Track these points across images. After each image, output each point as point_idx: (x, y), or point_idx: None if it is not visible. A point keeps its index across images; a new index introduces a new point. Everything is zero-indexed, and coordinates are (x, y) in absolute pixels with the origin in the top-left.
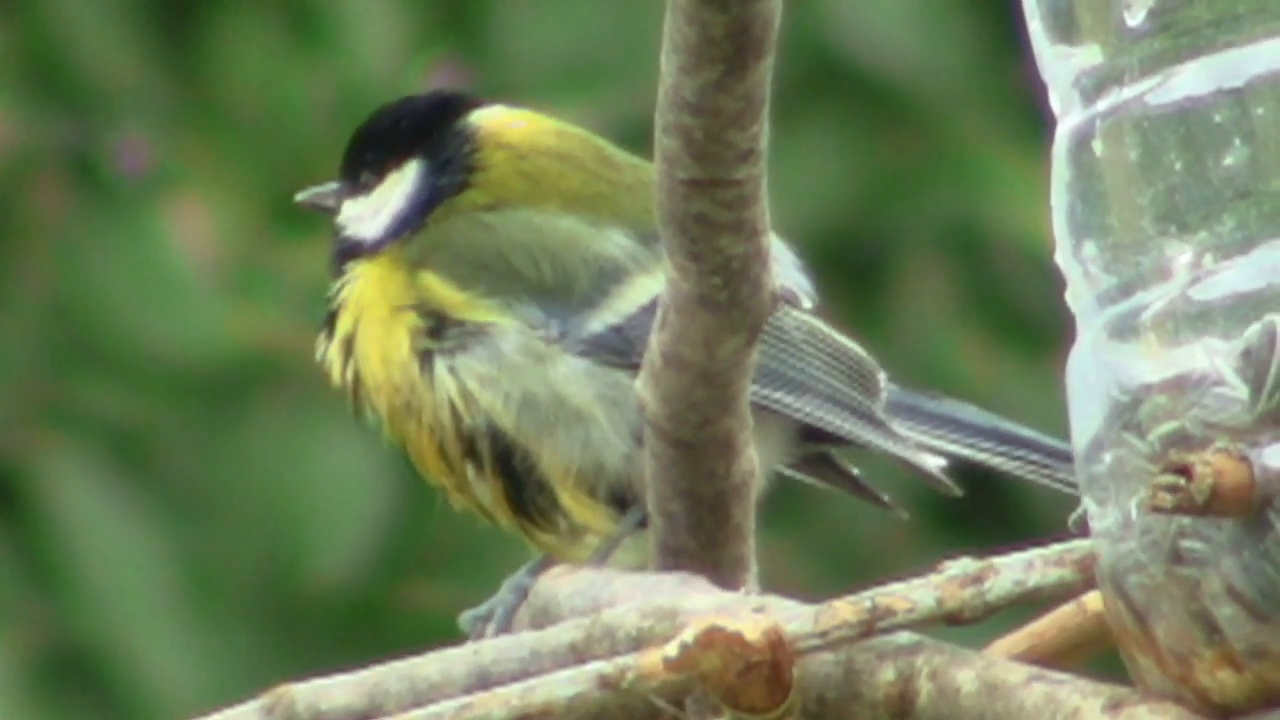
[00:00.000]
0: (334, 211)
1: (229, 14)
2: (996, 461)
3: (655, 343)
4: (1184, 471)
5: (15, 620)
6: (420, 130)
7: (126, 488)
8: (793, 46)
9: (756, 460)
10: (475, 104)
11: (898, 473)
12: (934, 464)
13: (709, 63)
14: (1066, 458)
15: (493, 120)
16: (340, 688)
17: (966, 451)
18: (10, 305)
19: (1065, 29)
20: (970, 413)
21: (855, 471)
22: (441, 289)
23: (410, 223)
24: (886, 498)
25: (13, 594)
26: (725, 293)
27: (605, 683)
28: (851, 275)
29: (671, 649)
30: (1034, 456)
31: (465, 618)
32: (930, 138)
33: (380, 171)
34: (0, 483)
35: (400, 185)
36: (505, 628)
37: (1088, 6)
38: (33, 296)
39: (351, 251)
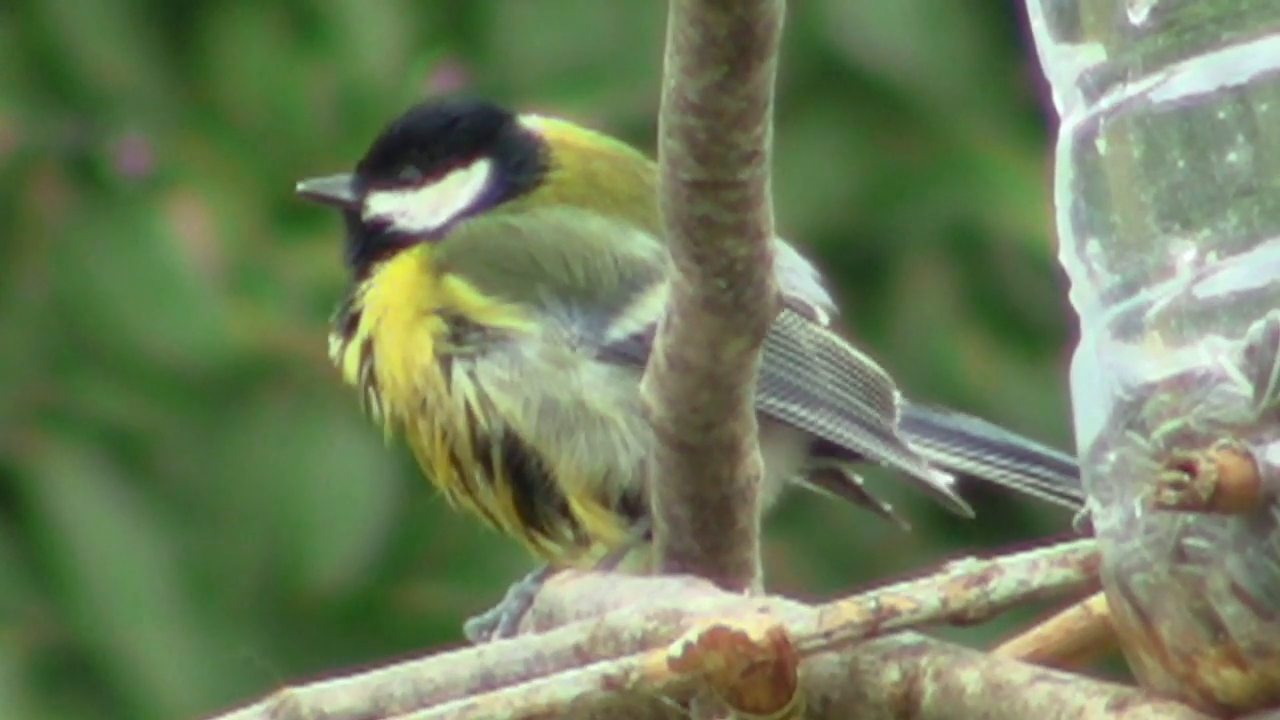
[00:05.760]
0: (350, 204)
1: (230, 14)
2: (1006, 479)
3: (659, 345)
4: (1188, 469)
5: (15, 620)
6: (481, 132)
7: (126, 489)
8: (794, 47)
9: (761, 464)
10: (513, 111)
11: (906, 482)
12: (945, 481)
13: (712, 64)
14: (1076, 472)
15: (550, 125)
16: (344, 690)
17: (976, 468)
18: (10, 305)
19: (1068, 27)
20: (979, 426)
21: (859, 481)
22: (466, 293)
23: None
24: (889, 508)
25: (13, 594)
26: (729, 295)
27: (610, 683)
28: (852, 276)
29: (676, 649)
30: (1043, 471)
31: (470, 625)
32: (931, 138)
33: (434, 170)
34: (0, 483)
35: (468, 184)
36: (510, 634)
37: (1091, 4)
38: (33, 296)
39: (394, 242)
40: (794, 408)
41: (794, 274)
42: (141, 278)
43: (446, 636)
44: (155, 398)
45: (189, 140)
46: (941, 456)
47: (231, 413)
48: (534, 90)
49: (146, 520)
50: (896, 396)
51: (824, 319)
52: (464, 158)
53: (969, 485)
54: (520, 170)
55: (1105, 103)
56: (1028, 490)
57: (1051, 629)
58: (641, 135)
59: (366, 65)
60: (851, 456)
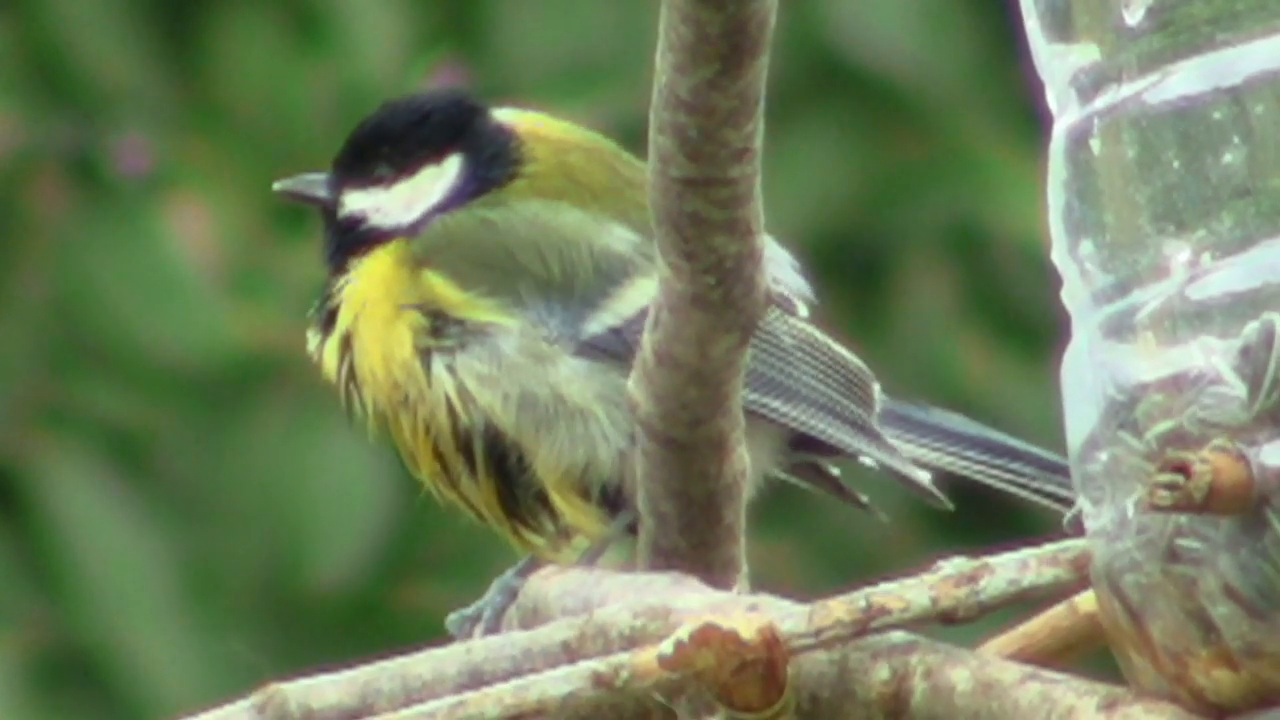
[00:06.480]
0: (325, 202)
1: (230, 14)
2: (984, 475)
3: (648, 342)
4: (1182, 469)
5: (15, 620)
6: (452, 126)
7: (126, 488)
8: (793, 46)
9: (748, 460)
10: (485, 104)
11: (887, 477)
12: (925, 476)
13: (704, 61)
14: (1055, 469)
15: (523, 117)
16: (332, 686)
17: (955, 463)
18: (10, 305)
19: (1062, 27)
20: (959, 422)
21: (836, 473)
22: (444, 288)
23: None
24: (865, 499)
25: (13, 594)
26: (718, 292)
27: (599, 681)
28: (851, 276)
29: (666, 647)
30: (1022, 467)
31: (453, 619)
32: (930, 138)
33: (405, 166)
34: (0, 483)
35: (440, 179)
36: (494, 629)
37: (1085, 5)
38: (33, 296)
39: (370, 239)
40: (773, 402)
41: (774, 264)
42: (141, 278)
43: (445, 636)
44: (155, 398)
45: (189, 140)
46: (920, 452)
47: (231, 413)
48: (534, 90)
49: (146, 520)
50: (876, 390)
51: (803, 310)
52: (436, 153)
53: (959, 481)
54: (493, 164)
55: (1099, 103)
56: (1005, 487)
57: (1037, 626)
58: (641, 135)
59: (366, 65)
60: (830, 451)
